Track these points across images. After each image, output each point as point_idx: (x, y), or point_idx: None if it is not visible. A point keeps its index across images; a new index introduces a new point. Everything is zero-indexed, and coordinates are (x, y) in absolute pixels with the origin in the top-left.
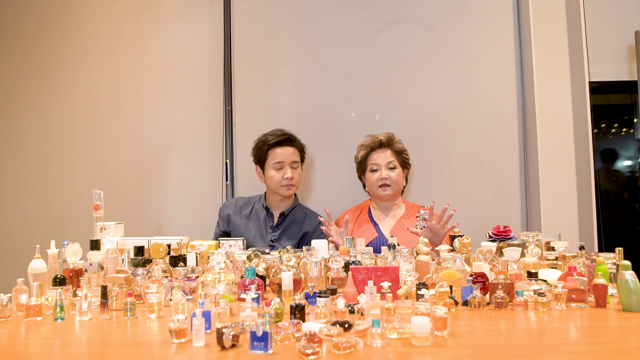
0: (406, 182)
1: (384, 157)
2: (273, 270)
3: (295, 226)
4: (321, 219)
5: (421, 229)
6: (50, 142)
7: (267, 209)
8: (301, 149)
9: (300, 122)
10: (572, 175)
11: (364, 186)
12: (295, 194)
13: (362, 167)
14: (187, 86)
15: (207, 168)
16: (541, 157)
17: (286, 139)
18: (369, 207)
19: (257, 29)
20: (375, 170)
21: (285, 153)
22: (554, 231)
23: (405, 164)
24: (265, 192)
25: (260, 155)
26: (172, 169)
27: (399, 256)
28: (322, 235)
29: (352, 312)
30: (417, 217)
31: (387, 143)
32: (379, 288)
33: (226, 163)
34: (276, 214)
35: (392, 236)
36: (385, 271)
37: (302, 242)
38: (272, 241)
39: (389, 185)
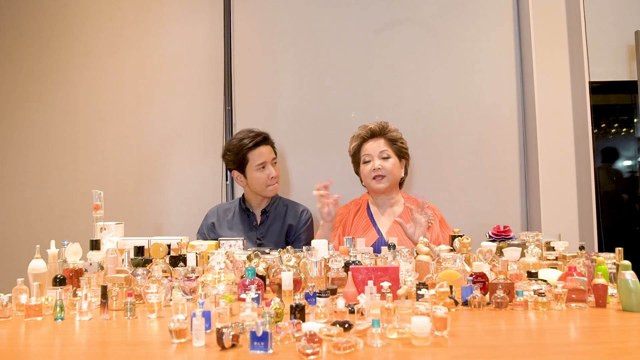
0: (406, 174)
1: (376, 146)
2: (273, 270)
3: (278, 220)
4: (318, 192)
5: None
6: (51, 142)
7: (247, 210)
8: (273, 145)
9: (300, 122)
10: (572, 175)
11: (362, 181)
12: None
13: (355, 159)
14: (187, 86)
15: (207, 168)
16: (541, 157)
17: (263, 138)
18: (368, 203)
19: (257, 29)
20: (368, 162)
21: (265, 152)
22: (554, 231)
23: (401, 154)
24: (243, 195)
25: (240, 160)
26: (172, 169)
27: (399, 256)
28: (308, 224)
29: (352, 312)
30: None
31: (379, 132)
32: (379, 288)
33: None
34: (258, 213)
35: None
36: (385, 271)
37: (288, 235)
38: (258, 239)
39: (383, 176)
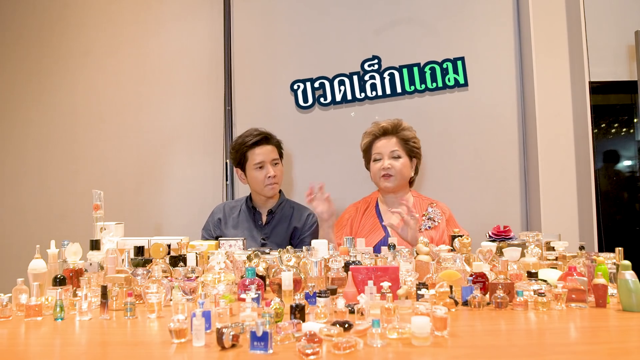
0: (416, 173)
1: (387, 145)
2: (273, 270)
3: (284, 222)
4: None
5: (426, 229)
6: (51, 142)
7: (253, 209)
8: (278, 146)
9: (300, 123)
10: (572, 175)
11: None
12: (280, 190)
13: (367, 156)
14: (187, 86)
15: (207, 168)
16: (541, 157)
17: (263, 138)
18: (377, 201)
19: (257, 29)
20: (378, 160)
21: (264, 152)
22: (554, 231)
23: (413, 153)
24: (250, 194)
25: (240, 158)
26: (172, 169)
27: (399, 256)
28: (313, 228)
29: (352, 312)
30: (423, 215)
31: (392, 130)
32: (379, 288)
33: (226, 163)
34: (264, 213)
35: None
36: (385, 271)
37: (292, 237)
38: (263, 239)
39: (391, 176)
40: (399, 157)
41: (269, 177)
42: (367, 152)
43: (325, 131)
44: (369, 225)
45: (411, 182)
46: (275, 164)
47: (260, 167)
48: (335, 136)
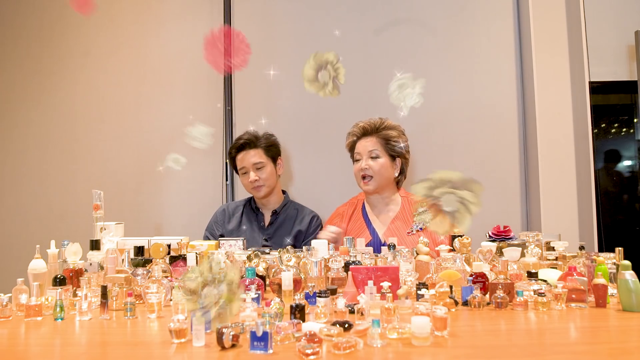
0: (402, 173)
1: (366, 145)
2: (273, 270)
3: (287, 223)
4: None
5: (417, 231)
6: (51, 142)
7: (257, 209)
8: (267, 148)
9: (300, 123)
10: (572, 175)
11: None
12: (284, 192)
13: (351, 156)
14: (187, 86)
15: (207, 168)
16: (541, 157)
17: (243, 144)
18: (363, 203)
19: (257, 29)
20: (358, 161)
21: (245, 158)
22: (554, 231)
23: (395, 153)
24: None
25: (232, 163)
26: (172, 168)
27: (399, 256)
28: (318, 231)
29: (352, 312)
30: (413, 216)
31: (371, 130)
32: (379, 288)
33: (226, 163)
34: (267, 214)
35: (385, 242)
36: (385, 271)
37: (296, 240)
38: (265, 240)
39: (370, 177)
40: (377, 157)
41: (250, 181)
42: (350, 152)
43: (325, 131)
44: (355, 230)
45: (398, 183)
46: (259, 168)
47: (244, 173)
48: (334, 136)
